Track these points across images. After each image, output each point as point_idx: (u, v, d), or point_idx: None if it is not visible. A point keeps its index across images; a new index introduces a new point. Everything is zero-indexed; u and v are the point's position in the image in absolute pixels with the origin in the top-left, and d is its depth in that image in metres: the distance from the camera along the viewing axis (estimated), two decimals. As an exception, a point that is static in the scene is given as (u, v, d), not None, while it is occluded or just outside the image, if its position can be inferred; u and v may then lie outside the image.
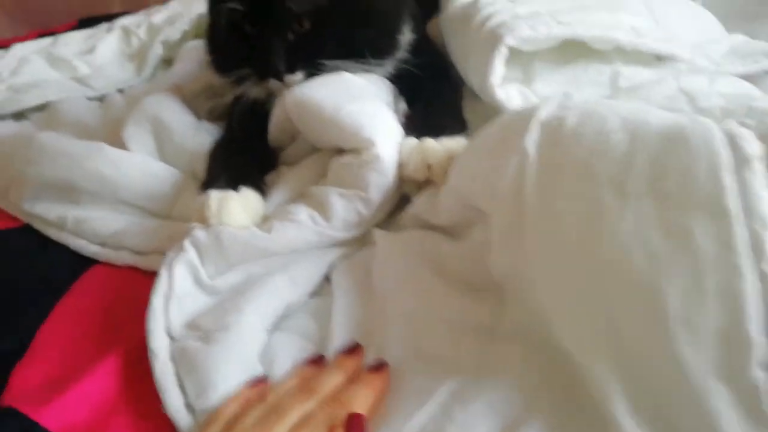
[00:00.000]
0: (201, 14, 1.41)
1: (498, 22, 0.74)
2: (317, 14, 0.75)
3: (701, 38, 0.86)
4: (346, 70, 0.78)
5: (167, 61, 1.41)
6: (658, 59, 0.78)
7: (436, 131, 0.71)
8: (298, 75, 0.77)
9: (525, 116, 0.56)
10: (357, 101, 0.72)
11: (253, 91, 0.83)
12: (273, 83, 0.78)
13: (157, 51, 1.38)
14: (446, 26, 0.88)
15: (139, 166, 0.85)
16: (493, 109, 0.74)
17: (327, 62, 0.77)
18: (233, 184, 0.73)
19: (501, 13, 0.76)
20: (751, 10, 0.98)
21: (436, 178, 0.68)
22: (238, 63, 0.80)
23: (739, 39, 0.88)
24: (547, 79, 0.76)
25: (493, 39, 0.72)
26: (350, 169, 0.69)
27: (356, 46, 0.78)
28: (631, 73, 0.75)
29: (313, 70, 0.77)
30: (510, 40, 0.71)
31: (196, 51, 1.30)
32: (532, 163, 0.53)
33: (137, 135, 0.90)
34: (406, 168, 0.69)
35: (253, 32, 0.77)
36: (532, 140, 0.54)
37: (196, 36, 1.45)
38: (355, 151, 0.70)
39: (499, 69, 0.71)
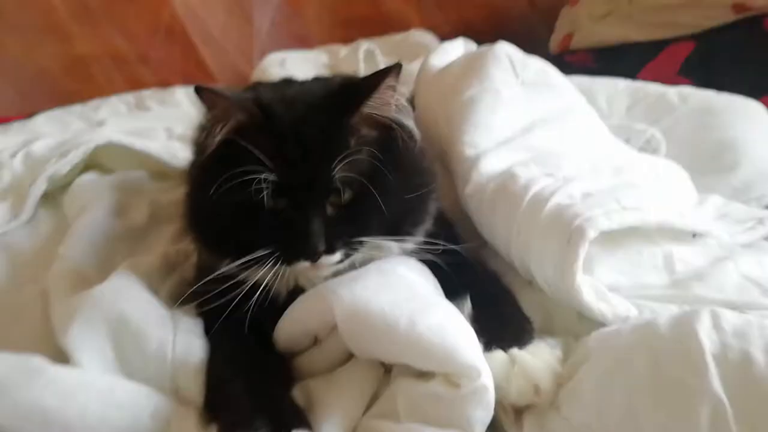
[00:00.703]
0: (98, 144, 1.18)
1: (564, 207, 0.67)
2: (361, 184, 0.65)
3: (691, 202, 0.88)
4: (383, 247, 0.68)
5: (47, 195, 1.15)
6: (693, 236, 0.77)
7: (513, 338, 0.62)
8: (337, 255, 0.65)
9: (685, 348, 0.49)
10: (430, 309, 0.60)
11: (258, 275, 0.67)
12: (300, 266, 0.65)
13: (41, 187, 1.12)
14: (474, 198, 0.79)
15: (101, 391, 0.63)
16: (549, 299, 0.67)
17: (367, 239, 0.66)
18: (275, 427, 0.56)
19: (556, 193, 0.70)
20: (706, 164, 1.03)
21: (545, 402, 0.58)
22: (257, 243, 0.65)
23: (718, 201, 0.91)
24: (605, 264, 0.70)
25: (567, 230, 0.65)
26: (443, 403, 0.56)
27: (397, 219, 0.68)
28: (682, 255, 0.72)
29: (351, 249, 0.66)
30: (592, 234, 0.64)
31: (107, 192, 1.07)
32: (731, 415, 0.45)
33: (89, 341, 0.67)
34: (505, 393, 0.58)
35: (284, 206, 0.64)
36: (717, 383, 0.47)
37: (86, 168, 1.22)
38: (441, 376, 0.57)
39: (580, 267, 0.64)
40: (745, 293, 0.67)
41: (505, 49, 0.96)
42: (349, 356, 0.66)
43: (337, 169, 0.63)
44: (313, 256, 0.64)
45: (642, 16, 1.78)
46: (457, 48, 1.15)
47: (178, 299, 0.77)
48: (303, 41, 2.05)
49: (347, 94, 0.67)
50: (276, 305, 0.70)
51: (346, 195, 0.65)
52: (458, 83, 0.90)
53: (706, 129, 1.06)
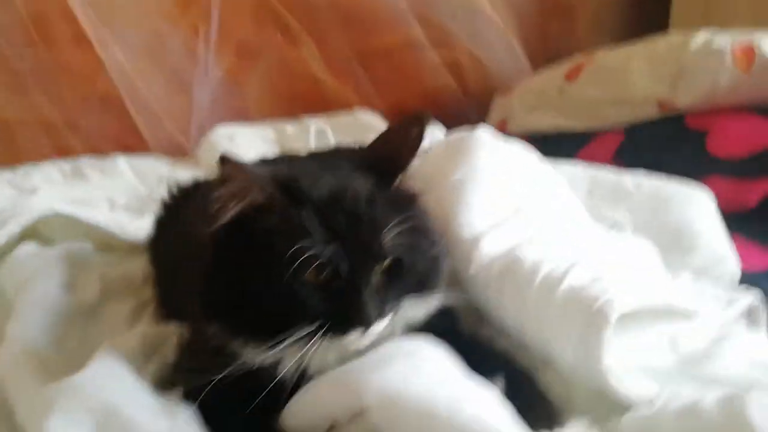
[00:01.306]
0: (42, 214, 1.09)
1: (579, 289, 0.68)
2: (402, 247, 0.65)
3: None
4: (410, 306, 0.68)
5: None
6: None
7: (547, 419, 0.60)
8: (386, 320, 0.64)
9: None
10: (468, 394, 0.57)
11: (292, 355, 0.63)
12: (350, 337, 0.63)
13: (-29, 262, 1.01)
14: (480, 278, 0.78)
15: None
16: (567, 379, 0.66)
17: (402, 301, 0.67)
18: None
19: (566, 276, 0.70)
20: (667, 246, 1.08)
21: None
22: (296, 320, 0.61)
23: (688, 280, 0.95)
24: (615, 346, 0.70)
25: (587, 312, 0.65)
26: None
27: (424, 276, 0.68)
28: (685, 334, 0.74)
29: (395, 312, 0.66)
30: (614, 316, 0.64)
31: (54, 266, 0.98)
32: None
33: (70, 437, 0.59)
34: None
35: (330, 277, 0.62)
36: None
37: (22, 238, 1.11)
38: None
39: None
40: (751, 372, 0.69)
41: (485, 133, 0.99)
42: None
43: (387, 237, 0.63)
44: (369, 324, 0.61)
45: (572, 109, 1.89)
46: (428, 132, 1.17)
47: (163, 384, 0.70)
48: (242, 115, 2.02)
49: (386, 158, 0.68)
50: (283, 386, 0.65)
51: (389, 259, 0.64)
52: (445, 166, 0.92)
53: (662, 214, 1.11)
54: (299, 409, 0.63)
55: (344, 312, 0.61)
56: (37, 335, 0.83)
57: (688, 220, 1.09)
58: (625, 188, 1.17)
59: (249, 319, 0.63)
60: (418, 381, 0.57)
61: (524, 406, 0.62)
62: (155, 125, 1.94)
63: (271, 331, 0.61)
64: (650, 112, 1.73)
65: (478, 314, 0.81)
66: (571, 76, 1.95)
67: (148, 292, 1.06)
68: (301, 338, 0.61)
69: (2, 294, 1.00)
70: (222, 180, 0.61)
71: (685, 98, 1.62)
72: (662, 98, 1.67)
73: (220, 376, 0.62)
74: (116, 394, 0.62)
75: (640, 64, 1.76)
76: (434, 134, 1.21)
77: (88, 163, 1.63)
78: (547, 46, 2.35)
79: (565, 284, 0.69)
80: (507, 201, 0.89)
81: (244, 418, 0.64)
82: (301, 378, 0.65)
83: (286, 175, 0.64)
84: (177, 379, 0.69)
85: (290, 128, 1.76)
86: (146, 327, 0.75)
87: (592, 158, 1.60)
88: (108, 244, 1.19)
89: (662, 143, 1.66)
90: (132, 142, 1.90)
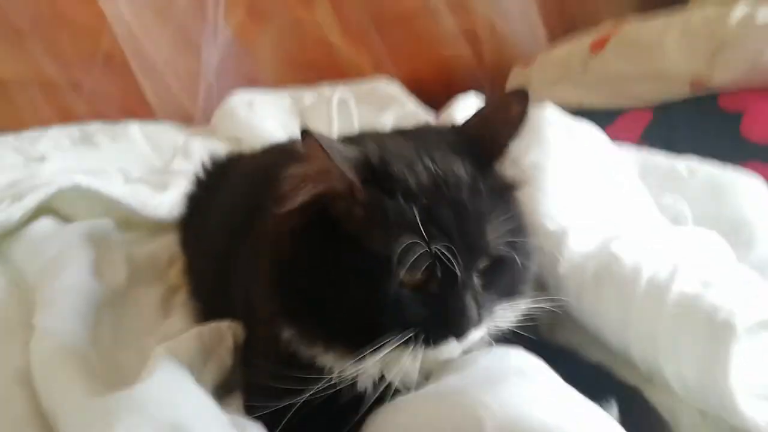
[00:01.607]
0: (61, 187, 1.00)
1: (694, 297, 0.61)
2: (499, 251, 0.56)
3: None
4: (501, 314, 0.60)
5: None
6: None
7: None
8: (483, 328, 0.57)
9: None
10: (593, 420, 0.51)
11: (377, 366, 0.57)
12: (446, 347, 0.56)
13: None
14: (573, 280, 0.71)
15: None
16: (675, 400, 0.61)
17: (498, 307, 0.58)
18: None
19: (674, 280, 0.64)
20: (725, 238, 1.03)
21: None
22: (386, 326, 0.54)
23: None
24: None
25: (709, 324, 0.59)
26: None
27: (523, 278, 0.61)
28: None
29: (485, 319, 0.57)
30: (740, 330, 0.58)
31: (78, 247, 0.90)
32: None
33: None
34: None
35: (425, 278, 0.54)
36: None
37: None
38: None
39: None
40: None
41: (554, 110, 0.92)
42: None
43: (492, 232, 0.55)
44: (467, 333, 0.54)
45: (597, 84, 1.82)
46: (473, 102, 1.10)
47: (221, 394, 0.63)
48: (252, 80, 1.92)
49: (484, 139, 0.59)
50: (362, 401, 0.59)
51: (484, 262, 0.56)
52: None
53: (718, 205, 1.06)
54: (389, 428, 0.56)
55: (443, 318, 0.54)
56: (71, 328, 0.75)
57: (745, 211, 1.04)
58: (678, 174, 1.11)
59: (331, 324, 0.55)
60: (539, 406, 0.51)
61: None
62: (161, 88, 1.83)
63: (358, 338, 0.54)
64: (681, 90, 1.66)
65: (554, 319, 0.75)
66: (597, 48, 1.86)
67: (176, 276, 1.00)
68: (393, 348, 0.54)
69: (21, 276, 0.93)
70: (302, 158, 0.54)
71: (722, 75, 1.55)
72: (697, 75, 1.61)
73: (303, 399, 0.55)
74: (183, 410, 0.55)
75: (674, 37, 1.68)
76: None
77: (97, 129, 1.53)
78: (564, 18, 2.26)
79: (675, 290, 0.63)
80: (583, 185, 0.82)
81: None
82: (384, 392, 0.59)
83: (378, 156, 0.55)
84: (254, 397, 0.62)
85: (308, 96, 1.67)
86: (199, 326, 0.68)
87: (618, 138, 1.53)
88: (128, 220, 1.11)
89: (694, 124, 1.60)
90: (136, 106, 1.79)
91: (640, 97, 1.71)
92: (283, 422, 0.57)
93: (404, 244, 0.51)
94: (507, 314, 0.61)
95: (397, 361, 0.56)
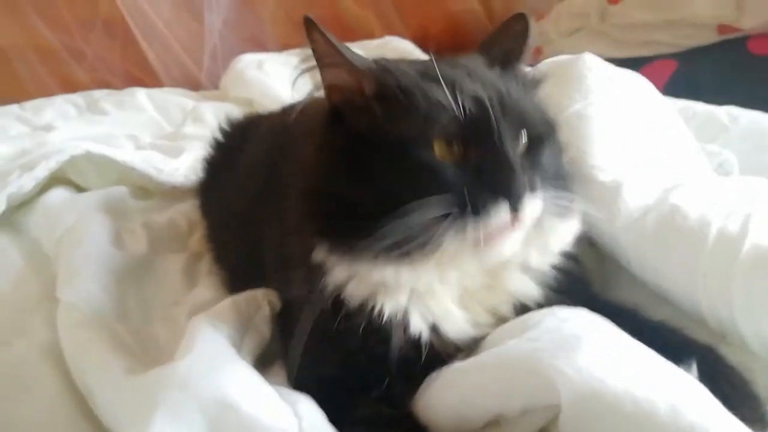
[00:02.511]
0: (74, 155, 0.95)
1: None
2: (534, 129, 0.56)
3: None
4: (553, 224, 0.56)
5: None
6: None
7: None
8: (539, 198, 0.52)
9: None
10: (687, 390, 0.46)
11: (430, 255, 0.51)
12: (498, 219, 0.50)
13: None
14: (632, 233, 0.66)
15: None
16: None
17: (547, 187, 0.54)
18: None
19: (748, 232, 0.59)
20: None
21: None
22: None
23: None
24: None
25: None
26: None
27: (564, 174, 0.60)
28: None
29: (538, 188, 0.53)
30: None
31: (96, 217, 0.85)
32: None
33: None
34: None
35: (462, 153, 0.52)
36: None
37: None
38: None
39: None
40: None
41: (595, 58, 0.86)
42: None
43: (526, 107, 0.56)
44: (519, 196, 0.49)
45: (616, 34, 1.76)
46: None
47: (259, 367, 0.58)
48: (257, 43, 1.85)
49: (501, 52, 0.62)
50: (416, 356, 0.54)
51: (524, 140, 0.55)
52: (556, 96, 0.78)
53: (762, 152, 1.01)
54: (449, 396, 0.52)
55: (489, 177, 0.50)
56: (98, 299, 0.71)
57: (792, 161, 0.99)
58: (720, 122, 1.06)
59: (371, 227, 0.49)
60: (621, 373, 0.46)
61: (730, 400, 0.51)
62: (164, 53, 1.76)
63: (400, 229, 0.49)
64: (707, 36, 1.60)
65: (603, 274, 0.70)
66: (614, -3, 1.80)
67: (197, 243, 0.95)
68: (433, 225, 0.49)
69: (37, 245, 0.88)
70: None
71: (751, 20, 1.50)
72: (724, 19, 1.55)
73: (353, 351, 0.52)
74: (229, 385, 0.50)
75: (698, -18, 1.61)
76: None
77: (102, 96, 1.47)
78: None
79: (748, 243, 0.58)
80: (631, 134, 0.77)
81: (372, 407, 0.54)
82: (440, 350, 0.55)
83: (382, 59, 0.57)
84: (300, 368, 0.57)
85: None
86: (234, 295, 0.63)
87: (643, 88, 1.48)
88: (143, 188, 1.06)
89: (723, 70, 1.54)
90: (141, 74, 1.73)
91: (662, 45, 1.65)
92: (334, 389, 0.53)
93: (435, 118, 0.51)
94: (563, 227, 0.57)
95: (451, 261, 0.52)
